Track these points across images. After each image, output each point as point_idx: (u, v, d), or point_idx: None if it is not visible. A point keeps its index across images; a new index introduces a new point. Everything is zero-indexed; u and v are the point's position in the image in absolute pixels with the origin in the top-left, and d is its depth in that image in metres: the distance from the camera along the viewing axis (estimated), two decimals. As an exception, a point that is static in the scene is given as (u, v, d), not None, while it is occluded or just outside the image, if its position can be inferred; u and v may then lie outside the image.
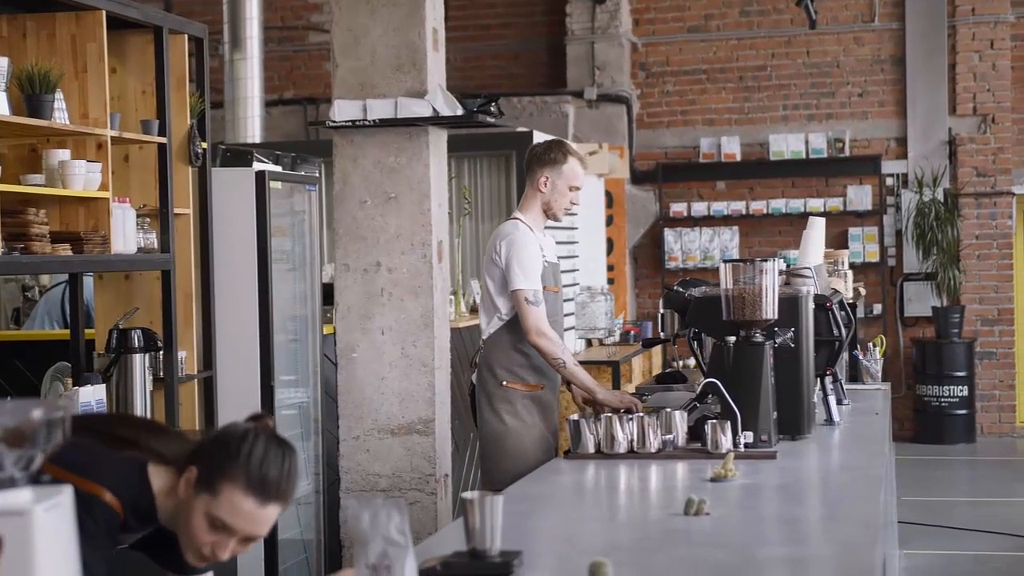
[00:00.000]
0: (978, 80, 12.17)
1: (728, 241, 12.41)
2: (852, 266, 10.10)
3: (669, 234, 12.51)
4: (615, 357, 9.04)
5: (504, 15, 13.07)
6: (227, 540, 2.58)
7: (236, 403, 5.83)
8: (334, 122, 5.37)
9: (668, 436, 4.26)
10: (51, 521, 1.78)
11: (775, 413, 4.36)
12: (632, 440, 4.24)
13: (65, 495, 1.82)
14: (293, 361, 6.59)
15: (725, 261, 4.48)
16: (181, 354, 5.63)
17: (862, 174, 12.32)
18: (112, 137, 5.14)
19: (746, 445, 4.26)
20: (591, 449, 4.26)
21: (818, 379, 4.94)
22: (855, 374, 6.56)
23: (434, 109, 5.27)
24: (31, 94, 4.77)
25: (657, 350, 10.65)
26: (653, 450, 4.22)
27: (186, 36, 5.77)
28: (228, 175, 6.17)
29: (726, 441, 4.19)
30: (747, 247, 12.42)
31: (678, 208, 12.52)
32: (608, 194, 11.77)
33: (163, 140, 5.47)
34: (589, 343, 10.05)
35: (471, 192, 9.71)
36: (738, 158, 12.43)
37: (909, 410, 12.09)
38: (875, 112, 12.39)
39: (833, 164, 12.32)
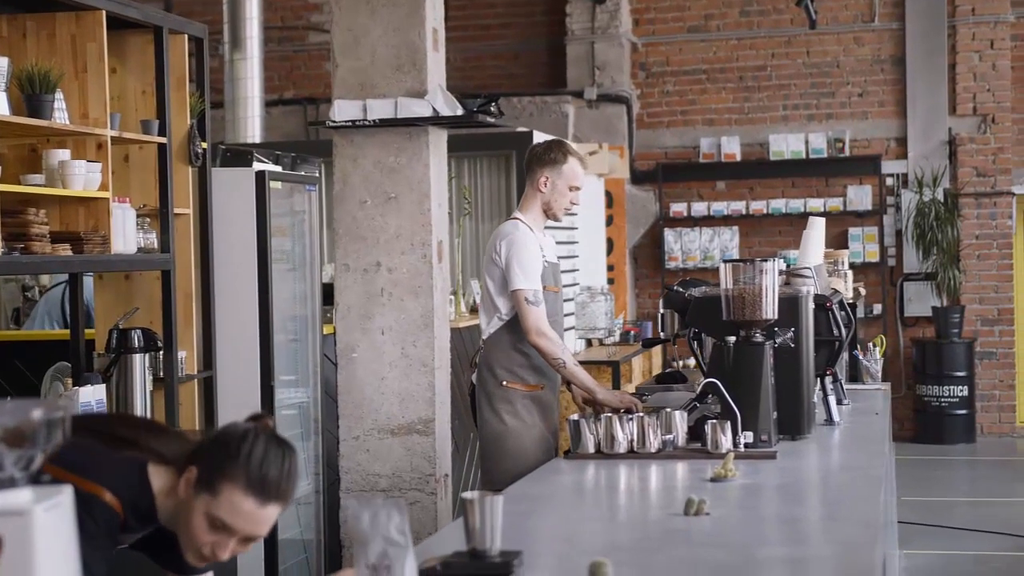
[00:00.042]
0: (978, 80, 12.17)
1: (728, 241, 12.41)
2: (852, 266, 10.10)
3: (669, 234, 12.51)
4: (615, 357, 9.04)
5: (504, 15, 13.07)
6: (227, 540, 2.58)
7: (236, 403, 5.83)
8: (334, 122, 5.37)
9: (668, 436, 4.26)
10: (51, 521, 1.78)
11: (775, 413, 4.36)
12: (632, 440, 4.24)
13: (65, 495, 1.82)
14: (293, 361, 6.59)
15: (725, 261, 4.48)
16: (181, 354, 5.63)
17: (862, 174, 12.32)
18: (112, 137, 5.14)
19: (746, 445, 4.26)
20: (591, 449, 4.26)
21: (818, 379, 4.94)
22: (855, 374, 6.56)
23: (434, 109, 5.27)
24: (31, 94, 4.77)
25: (657, 350, 10.65)
26: (653, 450, 4.22)
27: (186, 36, 5.77)
28: (228, 175, 6.17)
29: (726, 441, 4.19)
30: (747, 247, 12.42)
31: (678, 208, 12.52)
32: (608, 194, 11.77)
33: (163, 140, 5.47)
34: (589, 343, 10.05)
35: (471, 192, 9.71)
36: (738, 158, 12.44)
37: (909, 410, 12.09)
38: (875, 112, 12.39)
39: (833, 164, 12.32)
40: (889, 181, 12.33)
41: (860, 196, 12.21)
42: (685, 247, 12.48)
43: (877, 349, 6.68)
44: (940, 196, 11.99)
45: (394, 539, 2.27)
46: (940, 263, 11.92)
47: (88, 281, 5.93)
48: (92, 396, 5.03)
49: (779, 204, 12.33)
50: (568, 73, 12.59)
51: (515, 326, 4.96)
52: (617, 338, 10.22)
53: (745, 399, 4.29)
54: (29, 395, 5.69)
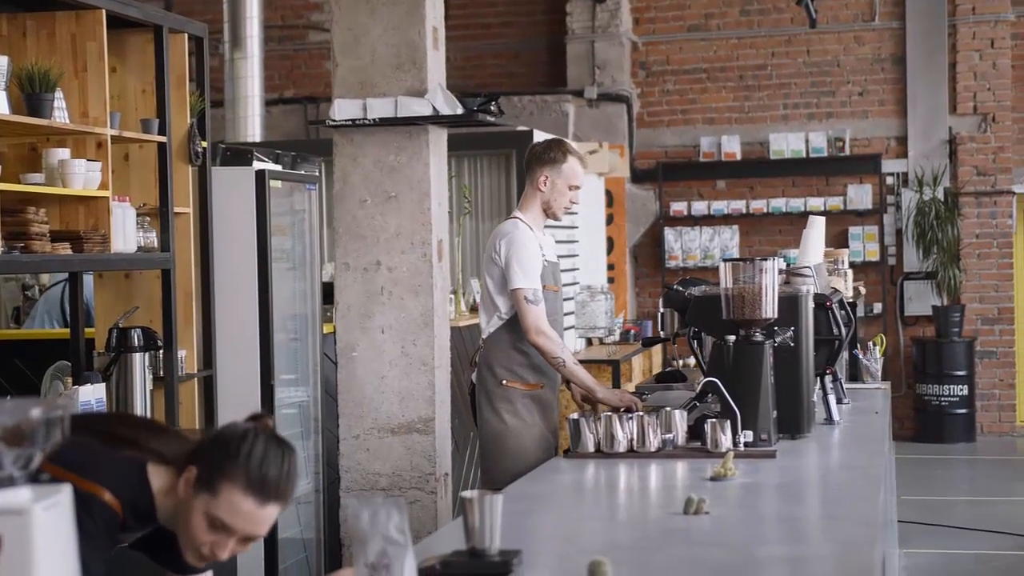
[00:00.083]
0: (978, 79, 12.17)
1: (728, 240, 12.41)
2: (852, 265, 10.10)
3: (669, 233, 12.51)
4: (615, 356, 9.04)
5: (504, 14, 13.07)
6: (226, 540, 2.58)
7: (236, 402, 5.83)
8: (334, 121, 5.37)
9: (668, 435, 4.27)
10: (50, 520, 1.78)
11: (775, 412, 4.36)
12: (632, 439, 4.24)
13: (64, 494, 1.82)
14: (293, 360, 6.59)
15: (725, 260, 4.48)
16: (181, 353, 5.63)
17: (862, 173, 12.32)
18: (112, 136, 5.14)
19: (746, 444, 4.26)
20: (591, 448, 4.27)
21: (818, 378, 4.94)
22: (855, 373, 6.56)
23: (434, 108, 5.26)
24: (31, 93, 4.77)
25: (657, 349, 10.65)
26: (653, 449, 4.22)
27: (186, 35, 5.78)
28: (228, 174, 6.17)
29: (726, 440, 4.19)
30: (747, 246, 12.42)
31: (678, 207, 12.52)
32: (608, 193, 11.77)
33: (163, 139, 5.47)
34: (589, 342, 10.04)
35: (471, 191, 9.71)
36: (738, 157, 12.43)
37: (909, 409, 12.09)
38: (875, 111, 12.39)
39: (833, 163, 12.32)
40: (889, 180, 12.33)
41: (860, 195, 12.21)
42: (685, 246, 12.48)
43: (877, 348, 6.67)
44: (940, 195, 11.99)
45: (393, 538, 2.27)
46: (940, 262, 11.92)
47: (88, 280, 5.93)
48: (92, 395, 5.03)
49: (779, 203, 12.33)
50: (568, 72, 12.59)
51: (515, 325, 4.96)
52: (617, 337, 10.22)
53: (745, 398, 4.29)
54: (29, 394, 5.69)
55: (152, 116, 5.48)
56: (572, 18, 12.57)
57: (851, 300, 6.29)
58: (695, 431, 4.32)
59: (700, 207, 12.47)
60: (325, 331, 6.58)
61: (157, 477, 2.63)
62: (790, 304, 4.55)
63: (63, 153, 4.96)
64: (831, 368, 5.09)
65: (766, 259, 4.42)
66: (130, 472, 2.61)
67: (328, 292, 6.26)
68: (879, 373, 6.54)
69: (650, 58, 12.72)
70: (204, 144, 5.83)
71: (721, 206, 12.42)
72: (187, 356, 5.71)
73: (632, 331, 10.41)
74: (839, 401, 5.20)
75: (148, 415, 5.26)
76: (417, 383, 5.38)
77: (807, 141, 12.30)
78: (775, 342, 4.45)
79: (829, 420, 4.97)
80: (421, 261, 5.37)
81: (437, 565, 2.70)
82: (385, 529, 2.26)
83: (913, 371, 12.13)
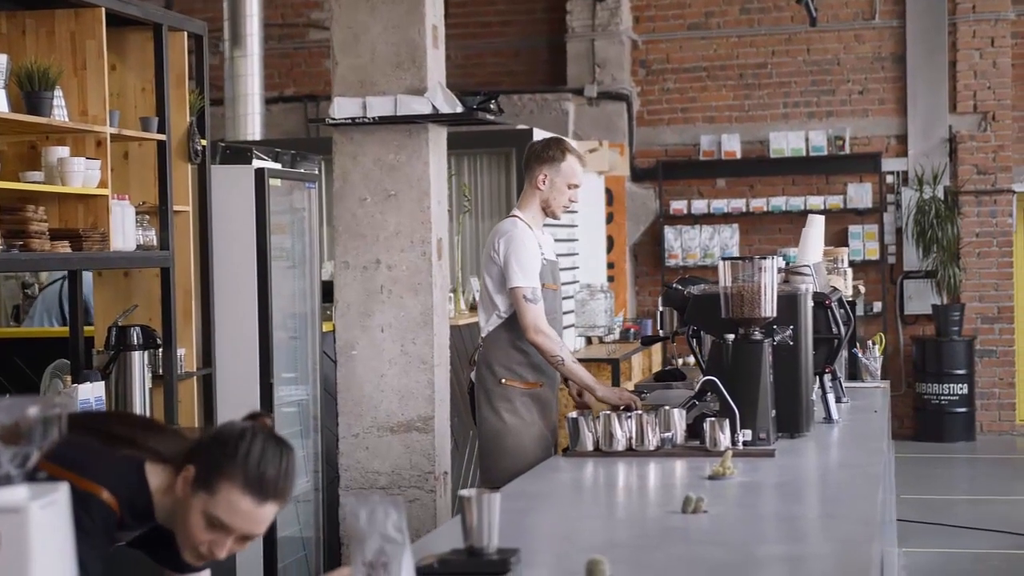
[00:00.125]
0: (978, 78, 12.17)
1: (728, 239, 12.41)
2: (852, 264, 10.10)
3: (669, 232, 12.51)
4: (615, 355, 9.05)
5: (504, 12, 13.07)
6: (224, 539, 2.58)
7: (235, 400, 5.83)
8: (334, 119, 5.37)
9: (667, 434, 4.27)
10: (47, 518, 1.78)
11: (774, 411, 4.36)
12: (631, 438, 4.24)
13: (61, 492, 1.82)
14: (292, 358, 6.59)
15: (724, 259, 4.47)
16: (180, 351, 5.63)
17: (862, 172, 12.32)
18: (111, 134, 5.14)
19: (744, 443, 4.26)
20: (590, 447, 4.27)
21: (817, 377, 4.94)
22: (854, 372, 6.56)
23: (434, 106, 5.26)
24: (30, 91, 4.77)
25: (657, 348, 10.66)
26: (651, 448, 4.23)
27: (185, 33, 5.77)
28: (228, 172, 6.17)
29: (724, 439, 4.19)
30: (747, 245, 12.42)
31: (678, 206, 12.52)
32: (608, 191, 11.78)
33: (162, 137, 5.46)
34: (589, 341, 10.05)
35: (471, 190, 9.71)
36: (738, 156, 12.43)
37: (909, 408, 12.09)
38: (875, 110, 12.39)
39: (833, 162, 12.32)
40: (889, 179, 12.33)
41: (860, 194, 12.21)
42: (685, 245, 12.48)
43: (876, 347, 6.67)
44: (940, 194, 11.99)
45: (391, 536, 2.27)
46: (940, 261, 11.92)
47: (87, 278, 5.93)
48: (91, 393, 5.03)
49: (779, 202, 12.33)
50: (568, 70, 12.59)
51: (514, 324, 4.96)
52: (617, 336, 10.22)
53: (744, 397, 4.29)
54: (29, 392, 5.69)
55: (151, 114, 5.48)
56: (572, 16, 12.57)
57: (850, 299, 6.30)
58: (694, 430, 4.32)
59: (700, 206, 12.47)
60: (324, 329, 6.58)
61: (155, 476, 2.63)
62: (789, 303, 4.55)
63: (62, 151, 4.96)
64: (830, 367, 5.09)
65: (765, 258, 4.42)
66: (128, 471, 2.61)
67: (328, 290, 6.26)
68: (878, 372, 6.55)
69: (650, 56, 12.72)
70: (204, 142, 5.83)
71: (721, 205, 12.42)
72: (186, 354, 5.71)
73: (632, 330, 10.42)
74: (838, 400, 5.20)
75: (147, 414, 5.27)
76: (416, 382, 5.38)
77: (807, 140, 12.31)
78: (774, 341, 4.45)
79: (828, 419, 4.97)
80: (421, 260, 5.37)
81: (435, 564, 2.70)
82: (383, 527, 2.26)
83: (913, 370, 12.13)
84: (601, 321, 9.88)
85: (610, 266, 11.79)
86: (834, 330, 5.09)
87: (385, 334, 5.39)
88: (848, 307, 5.34)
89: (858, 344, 6.89)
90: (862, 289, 11.22)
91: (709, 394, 4.36)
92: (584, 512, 3.71)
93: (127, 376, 5.29)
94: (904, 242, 12.15)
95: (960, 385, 11.84)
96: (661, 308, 5.06)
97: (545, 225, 5.16)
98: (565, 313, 6.62)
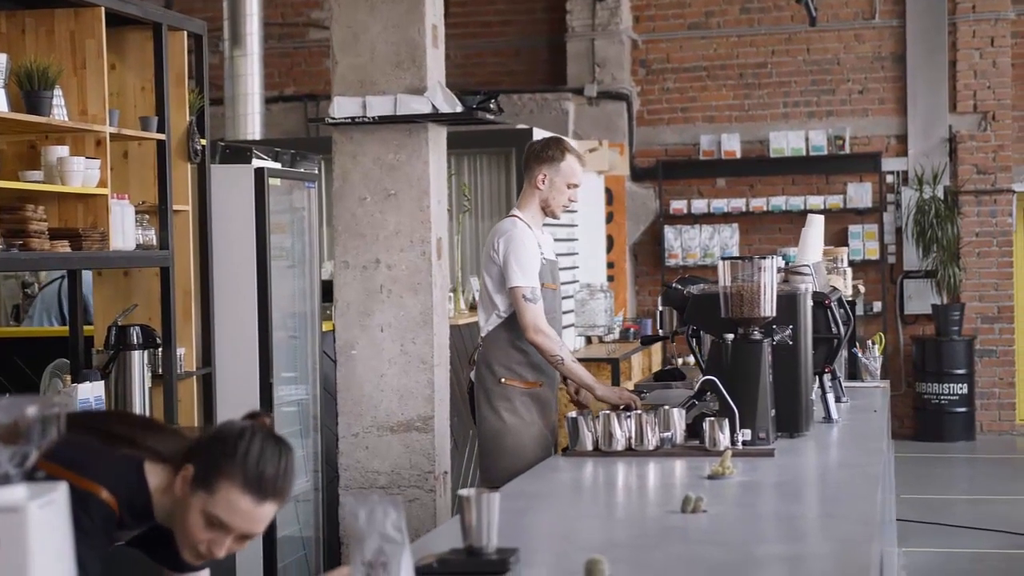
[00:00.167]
0: (978, 77, 12.17)
1: (728, 238, 12.41)
2: (852, 263, 10.10)
3: (669, 231, 12.51)
4: (615, 354, 9.05)
5: (504, 12, 13.07)
6: (224, 538, 2.58)
7: (235, 400, 5.83)
8: (334, 119, 5.37)
9: (666, 433, 4.27)
10: (46, 518, 1.77)
11: (773, 411, 4.36)
12: (630, 437, 4.24)
13: (60, 492, 1.82)
14: (292, 358, 6.59)
15: (723, 258, 4.47)
16: (180, 351, 5.63)
17: (862, 171, 12.32)
18: (111, 134, 5.14)
19: (744, 443, 4.26)
20: (589, 446, 4.27)
21: (816, 377, 4.94)
22: (854, 371, 6.56)
23: (434, 106, 5.26)
24: (30, 90, 4.77)
25: (657, 347, 10.66)
26: (651, 447, 4.22)
27: (185, 32, 5.77)
28: (227, 172, 6.17)
29: (724, 438, 4.19)
30: (747, 244, 12.42)
31: (678, 205, 12.52)
32: (608, 191, 11.77)
33: (162, 137, 5.46)
34: (589, 340, 10.05)
35: (471, 189, 9.70)
36: (738, 155, 12.43)
37: (909, 408, 12.09)
38: (875, 109, 12.39)
39: (833, 161, 12.32)
40: (889, 178, 12.33)
41: (860, 193, 12.21)
42: (685, 244, 12.48)
43: (876, 347, 6.67)
44: (940, 193, 11.99)
45: (390, 536, 2.27)
46: (940, 261, 11.91)
47: (87, 277, 5.93)
48: (91, 393, 5.03)
49: (779, 201, 12.33)
50: (568, 70, 12.59)
51: (513, 323, 4.96)
52: (617, 335, 10.22)
53: (743, 396, 4.29)
54: (29, 392, 5.68)
55: (151, 114, 5.48)
56: (572, 16, 12.57)
57: (850, 298, 6.30)
58: (693, 429, 4.32)
59: (700, 205, 12.47)
60: (324, 329, 6.58)
61: (154, 475, 2.63)
62: (789, 302, 4.55)
63: (62, 151, 4.96)
64: (830, 366, 5.09)
65: (764, 257, 4.42)
66: (127, 470, 2.61)
67: (327, 290, 6.26)
68: (878, 371, 6.54)
69: (650, 56, 12.72)
70: (203, 142, 5.83)
71: (721, 204, 12.42)
72: (186, 354, 5.71)
73: (632, 329, 10.42)
74: (838, 400, 5.20)
75: (147, 413, 5.26)
76: (416, 381, 5.38)
77: (807, 139, 12.31)
78: (774, 340, 4.45)
79: (828, 419, 4.97)
80: (420, 259, 5.37)
81: (434, 563, 2.70)
82: (382, 527, 2.26)
83: (913, 370, 12.13)
84: (601, 321, 9.89)
85: (610, 266, 11.79)
86: (834, 330, 5.08)
87: (385, 334, 5.39)
88: (848, 307, 5.34)
89: (858, 344, 6.89)
90: (862, 289, 11.22)
91: (708, 394, 4.36)
92: (583, 512, 3.71)
93: (127, 376, 5.29)
94: (904, 242, 12.15)
95: (960, 385, 11.84)
96: (661, 308, 5.06)
97: (545, 225, 5.16)
98: (565, 313, 6.62)
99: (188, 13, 7.00)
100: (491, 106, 5.48)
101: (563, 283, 6.15)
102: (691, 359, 8.02)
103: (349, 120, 5.34)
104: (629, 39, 12.57)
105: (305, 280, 6.62)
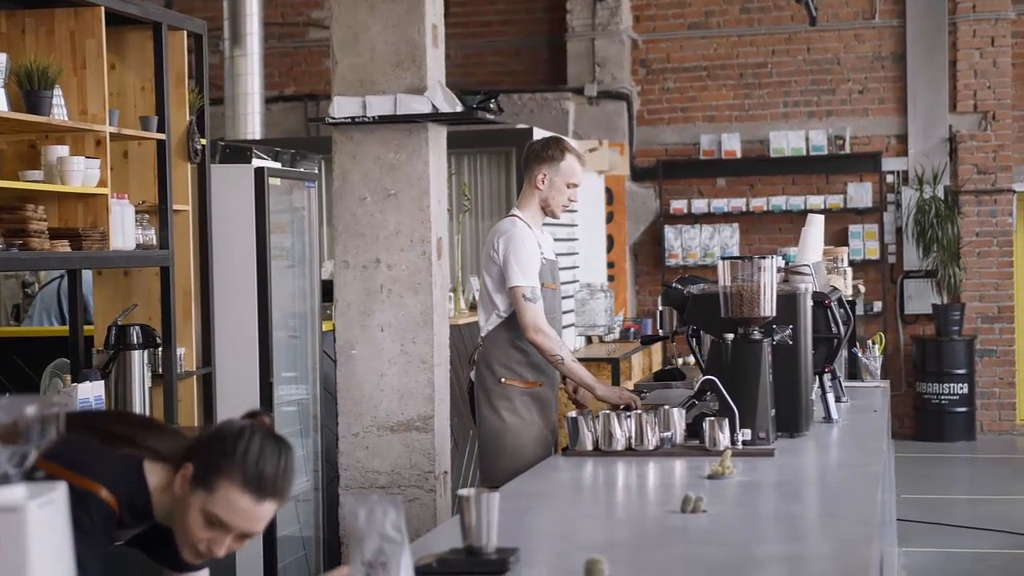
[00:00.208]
0: (979, 77, 12.16)
1: (728, 238, 12.41)
2: (852, 263, 10.09)
3: (669, 231, 12.51)
4: (615, 354, 9.05)
5: (504, 11, 13.07)
6: (223, 537, 2.58)
7: (235, 400, 5.83)
8: (334, 118, 5.37)
9: (666, 433, 4.26)
10: (45, 517, 1.77)
11: (773, 410, 4.36)
12: (630, 437, 4.24)
13: (59, 491, 1.82)
14: (292, 358, 6.59)
15: (723, 258, 4.47)
16: (180, 350, 5.63)
17: (862, 171, 12.32)
18: (111, 133, 5.14)
19: (744, 442, 4.26)
20: (589, 446, 4.27)
21: (816, 376, 4.94)
22: (854, 371, 6.56)
23: (434, 106, 5.26)
24: (30, 90, 4.77)
25: (657, 347, 10.66)
26: (651, 447, 4.22)
27: (185, 32, 5.77)
28: (227, 171, 6.17)
29: (724, 438, 4.19)
30: (747, 244, 12.42)
31: (678, 205, 12.52)
32: (608, 191, 11.77)
33: (162, 136, 5.46)
34: (589, 340, 10.05)
35: (471, 189, 9.70)
36: (738, 155, 12.43)
37: (909, 407, 12.09)
38: (875, 109, 12.39)
39: (833, 161, 12.32)
40: (889, 178, 12.33)
41: (860, 193, 12.21)
42: (685, 244, 12.48)
43: (876, 346, 6.67)
44: (940, 193, 11.99)
45: (390, 536, 2.27)
46: (940, 260, 11.91)
47: (87, 277, 5.94)
48: (91, 392, 5.03)
49: (779, 201, 12.33)
50: (568, 70, 12.59)
51: (513, 323, 4.96)
52: (617, 335, 10.23)
53: (743, 396, 4.29)
54: (29, 392, 5.69)
55: (151, 113, 5.47)
56: (572, 16, 12.57)
57: (850, 298, 6.29)
58: (693, 429, 4.32)
59: (700, 205, 12.47)
60: (324, 329, 6.58)
61: (154, 474, 2.63)
62: (788, 302, 4.55)
63: (62, 150, 4.96)
64: (830, 366, 5.09)
65: (764, 257, 4.41)
66: (127, 469, 2.61)
67: (327, 290, 6.26)
68: (878, 371, 6.54)
69: (650, 56, 12.72)
70: (203, 141, 5.83)
71: (721, 204, 12.42)
72: (186, 354, 5.70)
73: (632, 329, 10.42)
74: (838, 399, 5.20)
75: (147, 413, 5.26)
76: (416, 381, 5.38)
77: (807, 139, 12.30)
78: (774, 340, 4.45)
79: (828, 418, 4.97)
80: (420, 259, 5.37)
81: (434, 563, 2.70)
82: (382, 527, 2.26)
83: (913, 369, 12.13)
84: (601, 320, 9.89)
85: (610, 265, 11.80)
86: (834, 330, 5.08)
87: (385, 333, 5.39)
88: (848, 306, 5.34)
89: (858, 344, 6.89)
90: (862, 289, 11.21)
91: (708, 393, 4.36)
92: (583, 511, 3.71)
93: (127, 375, 5.29)
94: (904, 242, 12.15)
95: (960, 385, 11.84)
96: (661, 307, 5.06)
97: (545, 224, 5.16)
98: (565, 312, 6.62)
99: (188, 13, 7.00)
100: (491, 106, 5.48)
101: (563, 283, 6.15)
102: (691, 359, 8.02)
103: (349, 120, 5.33)
104: (629, 39, 12.57)
105: (305, 280, 6.62)
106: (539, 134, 8.52)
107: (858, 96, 12.40)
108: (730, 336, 4.39)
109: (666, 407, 4.33)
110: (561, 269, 5.66)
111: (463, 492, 2.69)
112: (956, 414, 11.86)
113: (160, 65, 5.48)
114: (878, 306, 12.14)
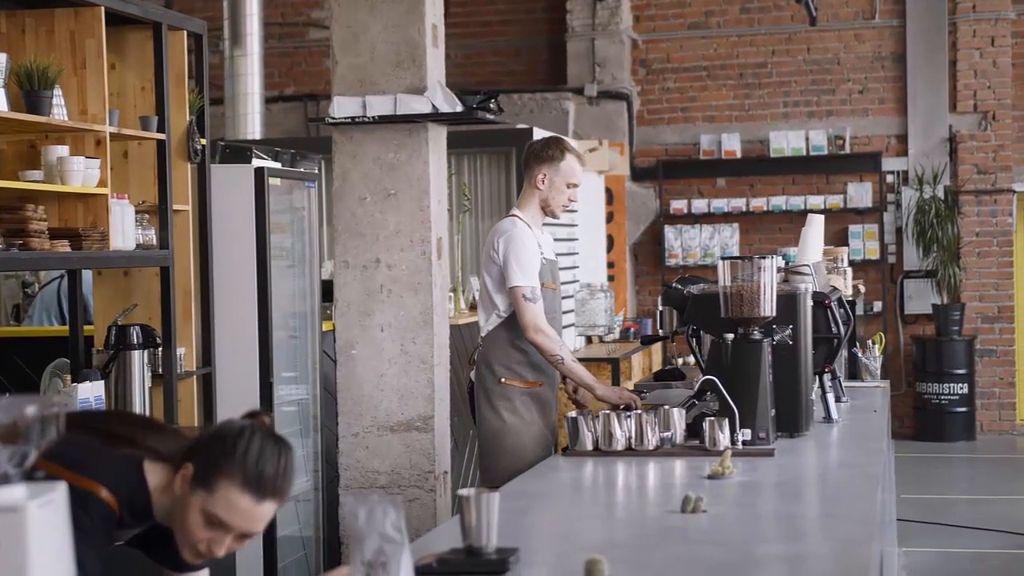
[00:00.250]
0: (979, 77, 12.16)
1: (728, 238, 12.41)
2: (852, 263, 10.10)
3: (669, 231, 12.51)
4: (615, 354, 9.05)
5: (505, 11, 13.07)
6: (223, 537, 2.58)
7: (235, 400, 5.83)
8: (334, 118, 5.37)
9: (666, 433, 4.26)
10: (45, 517, 1.77)
11: (773, 410, 4.35)
12: (630, 437, 4.24)
13: (59, 491, 1.82)
14: (292, 358, 6.59)
15: (723, 258, 4.47)
16: (180, 350, 5.63)
17: (862, 171, 12.32)
18: (111, 133, 5.14)
19: (744, 442, 4.26)
20: (589, 446, 4.27)
21: (816, 376, 4.94)
22: (854, 371, 6.56)
23: (434, 106, 5.26)
24: (30, 90, 4.77)
25: (657, 347, 10.65)
26: (651, 447, 4.22)
27: (185, 32, 5.77)
28: (227, 171, 6.17)
29: (724, 438, 4.19)
30: (747, 244, 12.42)
31: (678, 205, 12.52)
32: (608, 191, 11.77)
33: (162, 136, 5.46)
34: (589, 340, 10.04)
35: (471, 189, 9.70)
36: (738, 155, 12.43)
37: (909, 407, 12.09)
38: (875, 109, 12.39)
39: (833, 161, 12.32)
40: (889, 178, 12.33)
41: (860, 193, 12.21)
42: (685, 244, 12.48)
43: (876, 346, 6.67)
44: (940, 193, 11.99)
45: (390, 536, 2.27)
46: (940, 260, 11.91)
47: (87, 277, 5.94)
48: (91, 392, 5.03)
49: (779, 201, 12.33)
50: (568, 70, 12.59)
51: (513, 323, 4.96)
52: (617, 335, 10.22)
53: (743, 396, 4.29)
54: (29, 392, 5.69)
55: (151, 113, 5.47)
56: (572, 16, 12.57)
57: (850, 298, 6.29)
58: (693, 429, 4.32)
59: (700, 205, 12.47)
60: (324, 329, 6.58)
61: (154, 474, 2.63)
62: (788, 302, 4.55)
63: (62, 150, 4.96)
64: (830, 366, 5.09)
65: (764, 257, 4.41)
66: (127, 469, 2.61)
67: (327, 290, 6.26)
68: (878, 371, 6.54)
69: (650, 56, 12.72)
70: (203, 141, 5.83)
71: (721, 204, 12.42)
72: (186, 354, 5.70)
73: (632, 329, 10.42)
74: (838, 399, 5.20)
75: (147, 413, 5.26)
76: (416, 381, 5.38)
77: (807, 139, 12.30)
78: (773, 340, 4.45)
79: (828, 418, 4.97)
80: (420, 259, 5.37)
81: (434, 563, 2.70)
82: (382, 527, 2.26)
83: (913, 369, 12.13)
84: (601, 320, 9.88)
85: (610, 265, 11.79)
86: (834, 330, 5.08)
87: (385, 333, 5.39)
88: (848, 306, 5.34)
89: (858, 344, 6.89)
90: (862, 289, 11.21)
91: (708, 393, 4.36)
92: (583, 512, 3.71)
93: (127, 375, 5.29)
94: (904, 242, 12.15)
95: (960, 385, 11.84)
96: (661, 307, 5.06)
97: (545, 224, 5.16)
98: (565, 312, 6.62)
99: (188, 13, 7.00)
100: (491, 106, 5.48)
101: (563, 283, 6.15)
102: (691, 359, 8.02)
103: (349, 120, 5.33)
104: (629, 39, 12.57)
105: (305, 280, 6.62)
106: (539, 134, 8.52)
107: (858, 96, 12.40)
108: (730, 336, 4.39)
109: (666, 407, 4.33)
110: (561, 269, 5.66)
111: (463, 492, 2.69)
112: (956, 414, 11.86)
113: (160, 65, 5.48)
114: (878, 306, 12.14)
